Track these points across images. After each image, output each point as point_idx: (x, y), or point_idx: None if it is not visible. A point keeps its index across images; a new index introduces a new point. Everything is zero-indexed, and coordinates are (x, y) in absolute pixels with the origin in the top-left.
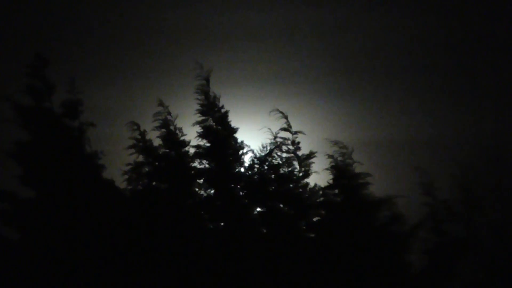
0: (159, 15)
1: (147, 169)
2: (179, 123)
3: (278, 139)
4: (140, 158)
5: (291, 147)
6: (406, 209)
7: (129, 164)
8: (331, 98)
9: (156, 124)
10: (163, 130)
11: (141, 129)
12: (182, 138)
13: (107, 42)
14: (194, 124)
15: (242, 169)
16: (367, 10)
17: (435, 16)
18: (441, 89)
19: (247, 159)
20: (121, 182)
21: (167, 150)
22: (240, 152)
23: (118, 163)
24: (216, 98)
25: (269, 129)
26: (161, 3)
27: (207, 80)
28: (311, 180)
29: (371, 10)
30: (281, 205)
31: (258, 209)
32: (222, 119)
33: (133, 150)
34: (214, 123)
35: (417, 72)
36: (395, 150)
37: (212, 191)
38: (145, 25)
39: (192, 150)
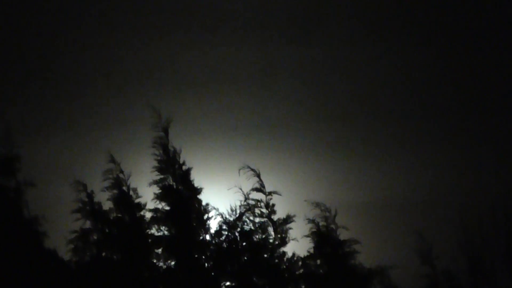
0: (111, 55)
1: (95, 237)
2: (133, 182)
3: (250, 201)
4: (88, 224)
5: (264, 210)
6: (401, 282)
7: (75, 231)
8: (312, 152)
9: (106, 184)
10: (115, 191)
11: (88, 190)
12: (137, 200)
13: (49, 86)
14: (150, 184)
15: (208, 236)
16: (357, 50)
17: (431, 54)
18: (441, 141)
19: (213, 224)
20: (65, 252)
21: (120, 215)
22: (206, 216)
23: (62, 230)
24: (176, 153)
25: (240, 189)
26: (114, 40)
27: (166, 131)
28: (289, 249)
29: (361, 50)
30: (255, 278)
31: (227, 283)
32: (184, 177)
33: (79, 215)
34: (174, 183)
35: (412, 121)
36: (387, 212)
37: (173, 262)
38: (94, 66)
39: (149, 215)
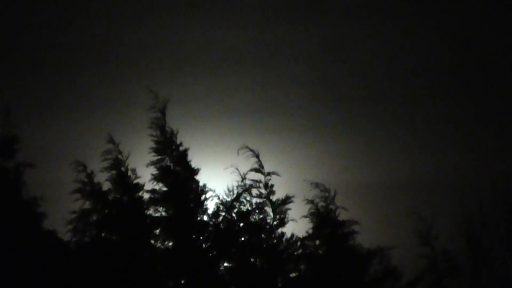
0: (108, 37)
1: (95, 218)
2: (131, 162)
3: (248, 182)
4: (87, 204)
5: (263, 190)
6: (400, 262)
7: (74, 212)
8: (312, 133)
9: (105, 164)
10: (113, 171)
11: (88, 170)
12: (135, 181)
13: (48, 68)
14: (148, 165)
15: (206, 217)
16: (360, 31)
17: (437, 36)
18: (443, 122)
19: (211, 205)
20: (64, 233)
21: (118, 196)
22: (203, 197)
23: (61, 211)
24: (173, 134)
25: (237, 169)
26: (112, 21)
27: (163, 112)
28: (288, 229)
29: (364, 30)
30: (253, 259)
31: (226, 264)
32: (181, 158)
33: (78, 196)
34: (171, 164)
35: (415, 102)
36: (387, 193)
37: (171, 243)
38: (93, 48)
39: (147, 195)
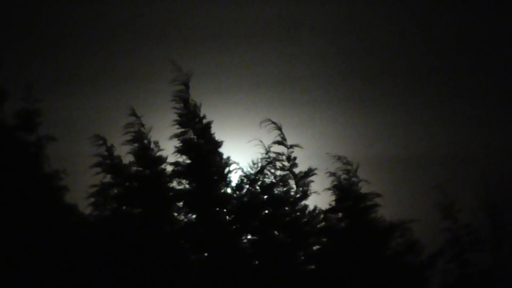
0: (130, 10)
1: (115, 191)
2: (154, 136)
3: (271, 154)
4: (108, 178)
5: (286, 163)
6: (422, 236)
7: (95, 185)
8: (334, 107)
9: (127, 137)
10: (135, 144)
11: (108, 144)
12: (158, 153)
13: (69, 42)
14: (171, 138)
15: (229, 190)
16: (380, 7)
17: (460, 12)
18: (464, 96)
19: (234, 178)
20: (85, 207)
21: (140, 168)
22: (226, 169)
23: (82, 185)
24: (197, 107)
25: (261, 141)
26: None
27: (187, 85)
28: (310, 202)
29: (385, 6)
30: (276, 232)
31: (249, 237)
32: (204, 131)
33: (99, 169)
34: (195, 136)
35: (438, 76)
36: (408, 166)
37: (194, 216)
38: (115, 22)
39: (169, 168)
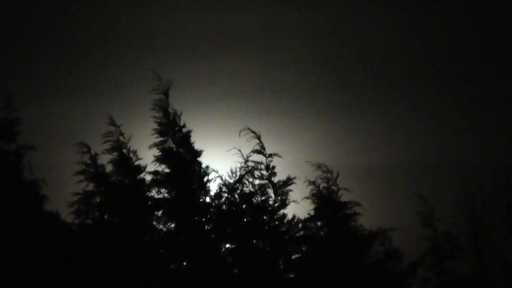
0: (111, 19)
1: (98, 200)
2: (134, 145)
3: (250, 163)
4: (90, 186)
5: (265, 172)
6: (402, 244)
7: (77, 193)
8: (314, 116)
9: (107, 146)
10: (115, 153)
11: (92, 152)
12: (137, 162)
13: (50, 50)
14: (151, 147)
15: (208, 199)
16: (362, 15)
17: (441, 20)
18: (445, 105)
19: (213, 187)
20: (67, 215)
21: (120, 177)
22: (206, 178)
23: (64, 193)
24: (176, 116)
25: (239, 151)
26: (114, 2)
27: (166, 94)
28: (289, 211)
29: (366, 14)
30: (254, 241)
31: (228, 246)
32: (184, 140)
33: (81, 177)
34: (174, 145)
35: (418, 85)
36: (389, 175)
37: (173, 225)
38: (95, 31)
39: (149, 177)
